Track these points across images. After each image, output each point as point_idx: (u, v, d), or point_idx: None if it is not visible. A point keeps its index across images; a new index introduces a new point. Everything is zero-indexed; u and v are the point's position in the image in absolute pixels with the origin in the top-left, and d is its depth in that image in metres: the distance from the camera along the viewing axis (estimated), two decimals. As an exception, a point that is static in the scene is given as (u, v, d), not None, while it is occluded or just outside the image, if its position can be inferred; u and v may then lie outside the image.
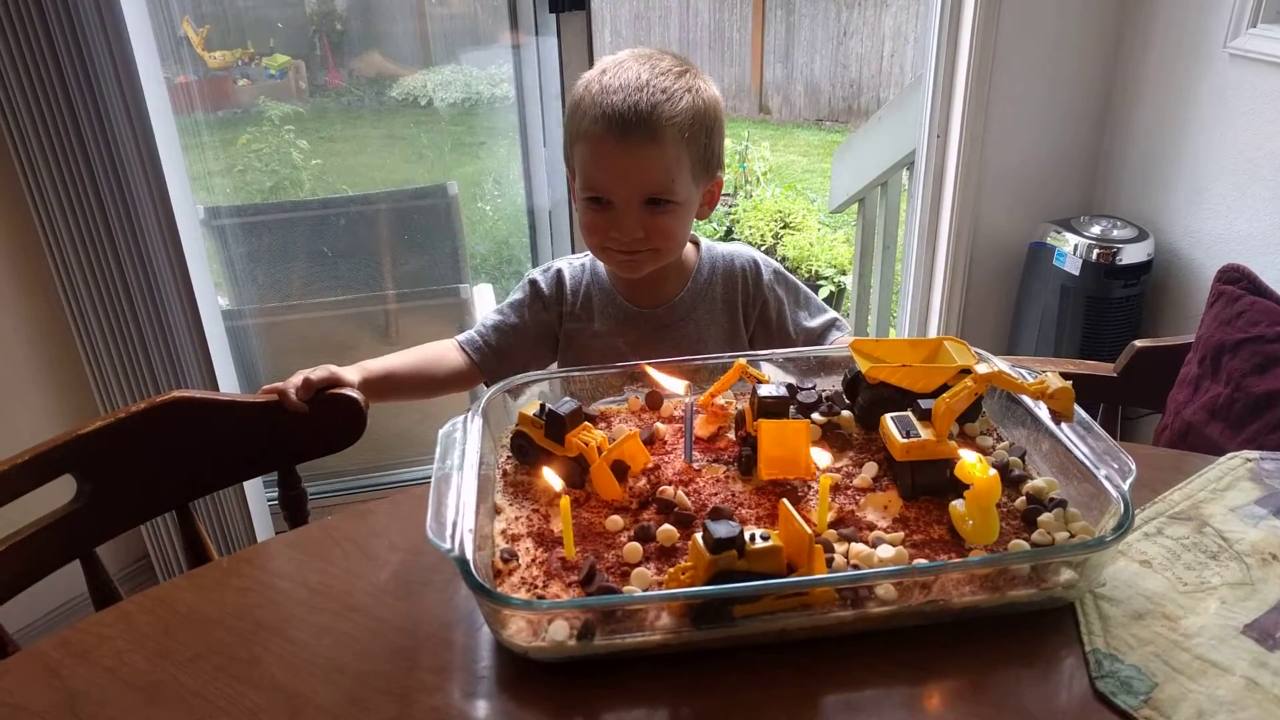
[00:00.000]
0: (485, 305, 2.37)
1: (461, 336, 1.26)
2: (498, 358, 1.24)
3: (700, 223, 2.13)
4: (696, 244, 1.27)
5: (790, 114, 7.47)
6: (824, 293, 4.15)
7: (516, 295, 1.28)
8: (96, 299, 1.71)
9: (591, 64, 1.98)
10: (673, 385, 0.86)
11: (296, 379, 1.10)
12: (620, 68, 1.10)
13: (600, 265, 1.25)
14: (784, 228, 4.68)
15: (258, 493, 2.03)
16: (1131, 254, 2.12)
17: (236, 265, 2.22)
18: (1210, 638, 0.67)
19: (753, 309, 1.24)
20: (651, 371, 0.88)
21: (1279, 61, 1.85)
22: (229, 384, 2.02)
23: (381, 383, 1.16)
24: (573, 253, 1.91)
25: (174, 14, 2.00)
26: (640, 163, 1.08)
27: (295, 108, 2.32)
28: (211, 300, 1.97)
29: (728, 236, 4.75)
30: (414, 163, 2.53)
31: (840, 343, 1.21)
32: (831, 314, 1.26)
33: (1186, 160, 2.12)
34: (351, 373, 1.14)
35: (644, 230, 1.11)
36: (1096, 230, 2.18)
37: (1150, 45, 2.16)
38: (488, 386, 1.15)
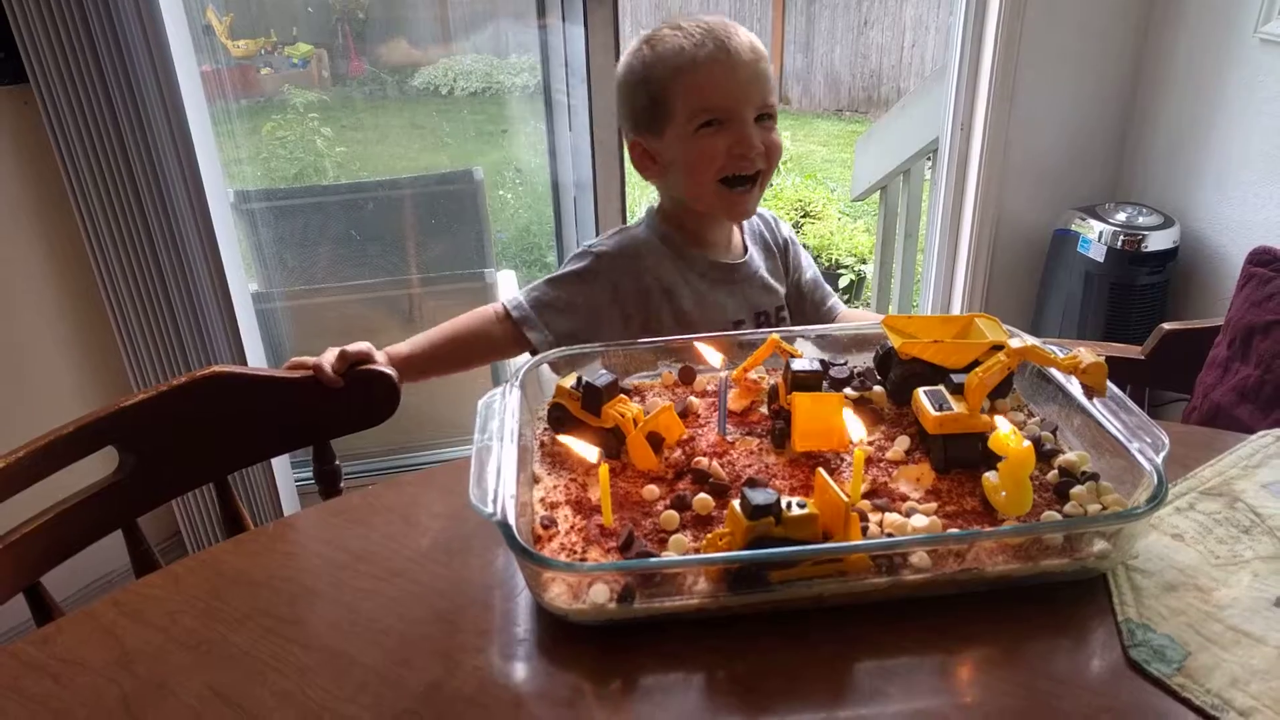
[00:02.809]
0: (508, 290, 2.38)
1: (507, 298, 1.22)
2: (546, 320, 1.19)
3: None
4: None
5: (810, 104, 7.45)
6: (844, 281, 4.15)
7: (574, 268, 1.21)
8: (131, 281, 1.74)
9: (618, 50, 2.00)
10: (713, 357, 0.88)
11: (330, 354, 1.11)
12: (692, 22, 1.16)
13: (673, 234, 1.23)
14: (804, 216, 4.68)
15: (285, 471, 2.06)
16: (1157, 241, 2.12)
17: (265, 249, 2.24)
18: (1243, 609, 0.68)
19: (784, 254, 1.32)
20: (699, 345, 0.90)
21: (1310, 47, 1.84)
22: (258, 364, 2.04)
23: (423, 358, 1.18)
24: (596, 234, 1.93)
25: (199, 2, 2.02)
26: (754, 76, 1.14)
27: (320, 95, 2.33)
28: (242, 283, 1.99)
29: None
30: (436, 150, 2.54)
31: (845, 314, 1.33)
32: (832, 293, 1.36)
33: (1214, 147, 2.11)
34: (383, 354, 1.15)
35: (763, 144, 1.15)
36: (1121, 217, 2.17)
37: (1180, 30, 2.14)
38: (536, 350, 1.19)
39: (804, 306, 1.32)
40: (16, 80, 1.58)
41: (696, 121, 1.14)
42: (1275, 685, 0.62)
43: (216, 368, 1.12)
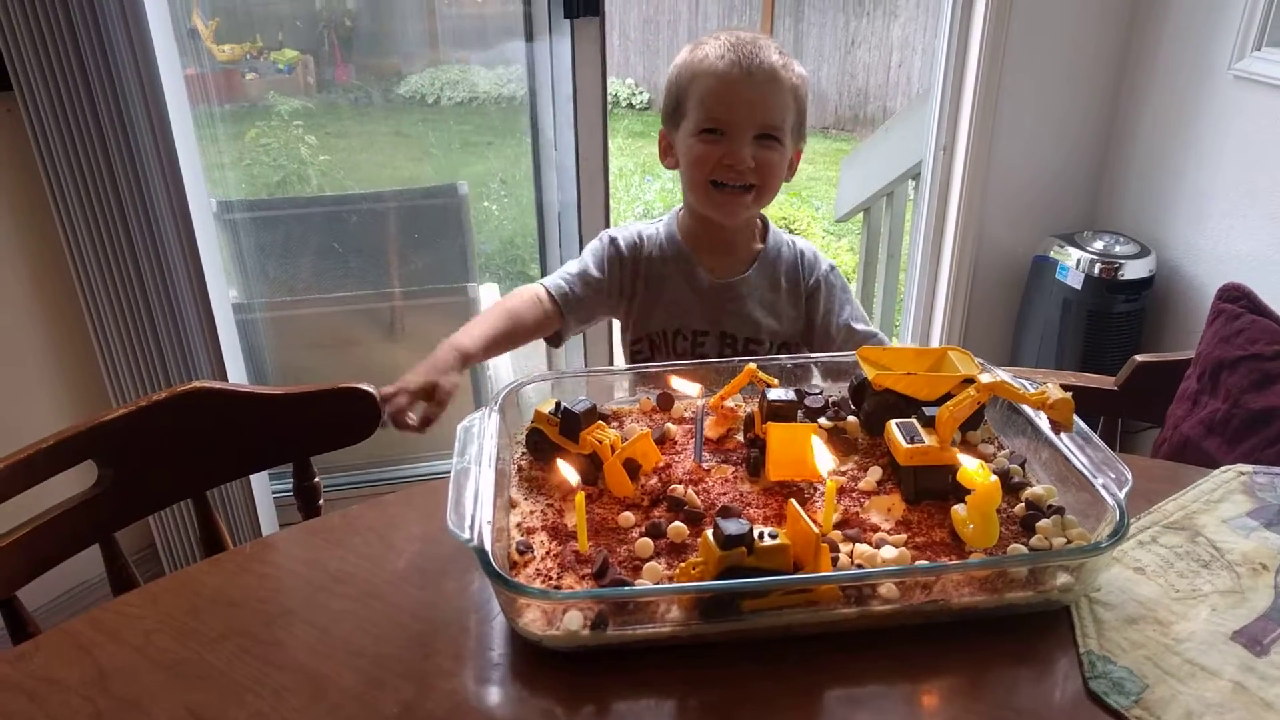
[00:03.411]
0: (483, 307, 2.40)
1: (548, 282, 1.30)
2: (581, 307, 1.30)
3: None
4: (766, 226, 1.35)
5: (797, 122, 7.49)
6: (827, 300, 4.18)
7: (596, 249, 1.33)
8: (111, 288, 1.74)
9: (604, 69, 2.02)
10: (688, 388, 0.89)
11: (401, 398, 1.09)
12: (730, 33, 1.23)
13: (674, 232, 1.32)
14: (789, 234, 4.72)
15: (264, 486, 2.06)
16: (1133, 269, 2.16)
17: (247, 258, 2.24)
18: (1200, 643, 0.70)
19: (808, 290, 1.32)
20: (674, 380, 0.91)
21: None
22: (237, 375, 2.04)
23: (481, 354, 1.20)
24: (579, 253, 1.95)
25: (184, 7, 2.02)
26: (762, 96, 1.20)
27: (304, 103, 2.33)
28: (223, 292, 1.99)
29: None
30: (420, 160, 2.54)
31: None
32: (874, 329, 1.32)
33: (1189, 179, 2.15)
34: (450, 357, 1.14)
35: (755, 161, 1.21)
36: (1099, 245, 2.21)
37: (1156, 65, 2.19)
38: (564, 335, 1.30)
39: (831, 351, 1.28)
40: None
41: (701, 126, 1.22)
42: (1229, 719, 0.63)
43: (197, 383, 1.12)
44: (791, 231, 4.69)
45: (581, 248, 2.20)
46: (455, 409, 1.10)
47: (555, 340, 1.33)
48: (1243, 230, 2.03)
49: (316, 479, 1.19)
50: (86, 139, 1.62)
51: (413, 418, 1.09)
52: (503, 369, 2.62)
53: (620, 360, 1.44)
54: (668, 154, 1.30)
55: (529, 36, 2.14)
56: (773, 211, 4.84)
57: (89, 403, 1.89)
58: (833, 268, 1.34)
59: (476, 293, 2.44)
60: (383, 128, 2.49)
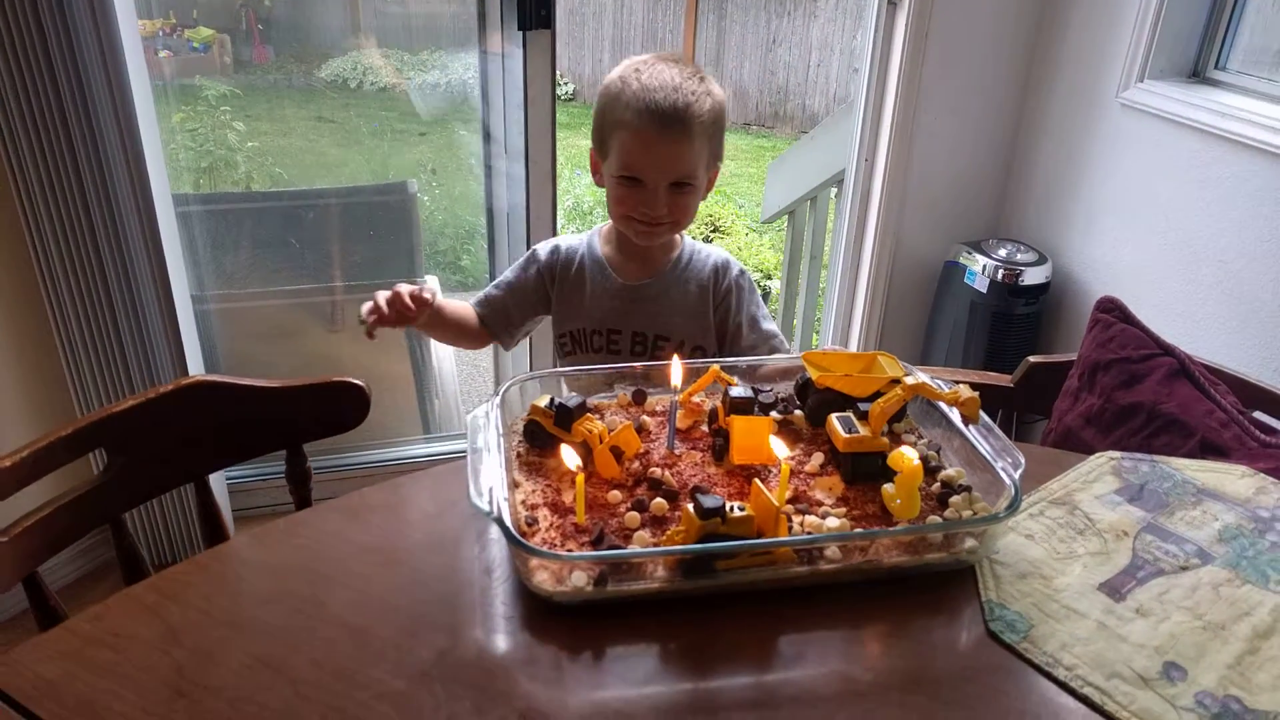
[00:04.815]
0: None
1: (475, 298, 1.48)
2: (498, 313, 1.46)
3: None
4: (682, 238, 1.48)
5: (720, 117, 7.64)
6: (751, 295, 4.36)
7: (520, 261, 1.50)
8: (72, 277, 1.79)
9: (554, 78, 2.14)
10: (676, 375, 1.03)
11: (384, 294, 1.29)
12: (654, 70, 1.29)
13: (595, 242, 1.46)
14: (714, 231, 4.89)
15: (220, 481, 2.12)
16: (1032, 276, 2.38)
17: (200, 251, 2.28)
18: (1074, 592, 0.88)
19: (719, 297, 1.43)
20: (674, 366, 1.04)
21: (1160, 114, 2.12)
22: (196, 367, 2.09)
23: (437, 314, 1.37)
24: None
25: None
26: (674, 153, 1.27)
27: (231, 88, 2.28)
28: (183, 281, 2.03)
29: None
30: (346, 147, 2.51)
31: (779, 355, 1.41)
32: (776, 329, 1.44)
33: (1082, 194, 2.38)
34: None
35: (668, 207, 1.31)
36: (1003, 253, 2.43)
37: (1054, 91, 2.42)
38: (492, 337, 1.47)
39: (736, 352, 1.42)
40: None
41: (619, 173, 1.31)
42: (1093, 648, 0.82)
43: (200, 376, 1.22)
44: (717, 229, 4.88)
45: (529, 247, 2.32)
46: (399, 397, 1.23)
47: (504, 342, 1.50)
48: (1129, 241, 2.26)
49: (308, 464, 1.30)
50: (53, 134, 1.66)
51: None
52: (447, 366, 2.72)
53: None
54: (597, 173, 1.38)
55: (482, 40, 2.23)
56: (700, 209, 5.02)
57: (50, 393, 1.93)
58: (742, 271, 1.45)
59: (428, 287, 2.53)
60: (303, 112, 2.46)
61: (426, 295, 1.30)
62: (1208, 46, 2.17)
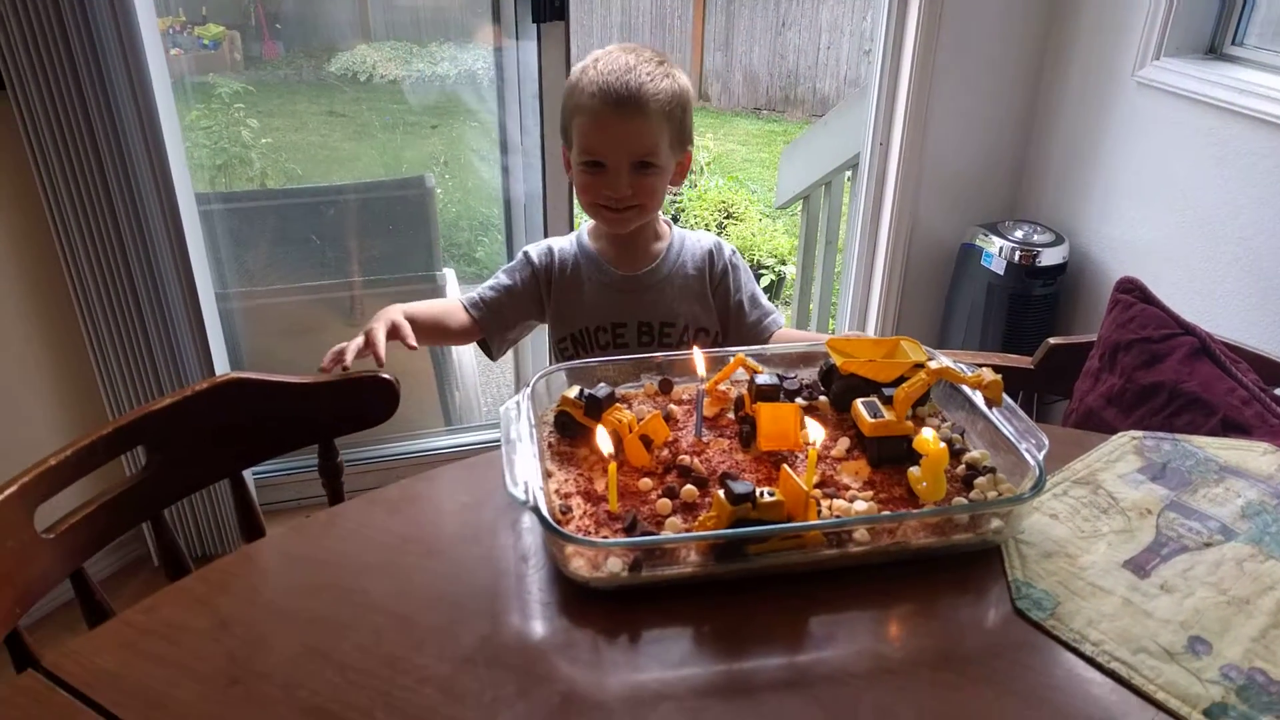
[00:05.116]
0: (450, 290, 2.52)
1: (465, 297, 1.47)
2: (493, 314, 1.45)
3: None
4: (669, 227, 1.50)
5: (729, 102, 7.66)
6: (764, 281, 4.39)
7: (512, 264, 1.49)
8: (99, 276, 1.82)
9: (569, 68, 2.15)
10: (699, 365, 1.05)
11: (359, 341, 1.27)
12: (611, 57, 1.32)
13: (584, 239, 1.47)
14: (728, 218, 4.90)
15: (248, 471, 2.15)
16: (1049, 257, 2.38)
17: (223, 249, 2.32)
18: (1099, 570, 0.90)
19: (716, 278, 1.46)
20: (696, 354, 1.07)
21: (1177, 91, 2.11)
22: (221, 365, 2.13)
23: (413, 328, 1.34)
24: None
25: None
26: (631, 130, 1.30)
27: (245, 85, 2.31)
28: (207, 281, 2.07)
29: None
30: (358, 140, 2.53)
31: (781, 333, 1.46)
32: (773, 307, 1.49)
33: (1099, 174, 2.38)
34: (397, 313, 1.32)
35: (632, 189, 1.33)
36: (1019, 234, 2.43)
37: (1070, 70, 2.41)
38: (484, 338, 1.45)
39: (741, 329, 1.47)
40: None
41: (582, 159, 1.34)
42: (1118, 625, 0.83)
43: (234, 374, 1.24)
44: (730, 215, 4.89)
45: (545, 236, 2.35)
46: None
47: (487, 350, 1.49)
48: (1146, 220, 2.26)
49: (340, 458, 1.33)
50: (77, 134, 1.70)
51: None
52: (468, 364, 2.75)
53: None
54: (569, 167, 1.40)
55: (497, 30, 2.24)
56: (713, 196, 5.02)
57: (79, 395, 1.97)
58: (735, 251, 1.49)
59: (444, 280, 2.56)
60: (314, 107, 2.48)
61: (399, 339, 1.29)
62: (1224, 22, 2.16)
